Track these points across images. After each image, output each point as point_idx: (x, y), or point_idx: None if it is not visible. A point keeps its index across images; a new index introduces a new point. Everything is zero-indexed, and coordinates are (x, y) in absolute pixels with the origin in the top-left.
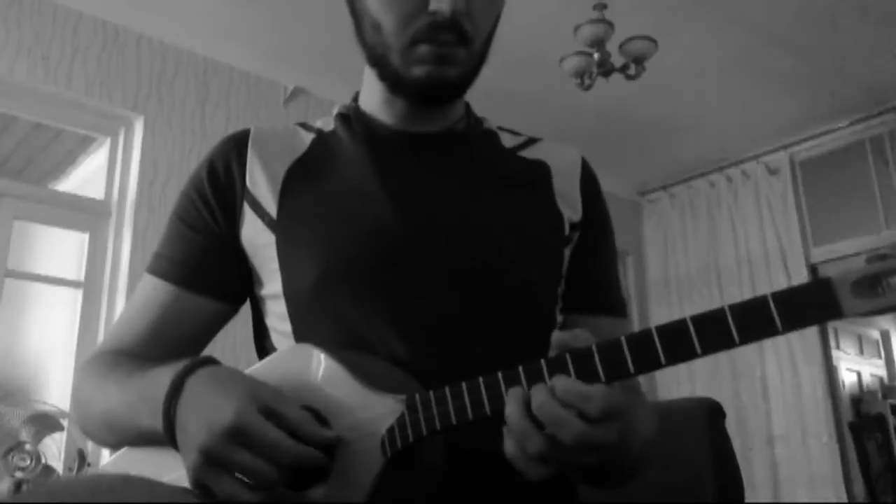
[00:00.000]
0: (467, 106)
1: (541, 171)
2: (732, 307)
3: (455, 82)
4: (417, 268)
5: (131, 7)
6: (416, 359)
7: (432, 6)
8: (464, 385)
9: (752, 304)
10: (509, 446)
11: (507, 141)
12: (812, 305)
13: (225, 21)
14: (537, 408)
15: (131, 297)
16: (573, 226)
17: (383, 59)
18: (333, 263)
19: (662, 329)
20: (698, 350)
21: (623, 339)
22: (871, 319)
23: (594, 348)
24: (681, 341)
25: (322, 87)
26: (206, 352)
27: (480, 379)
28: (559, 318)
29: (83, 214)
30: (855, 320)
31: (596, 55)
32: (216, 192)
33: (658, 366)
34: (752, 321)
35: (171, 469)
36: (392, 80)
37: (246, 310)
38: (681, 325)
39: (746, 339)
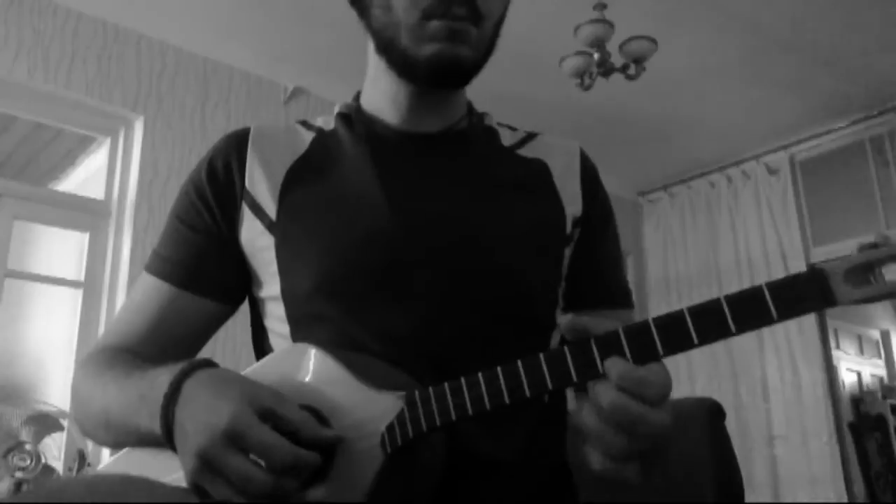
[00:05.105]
0: (469, 103)
1: (540, 170)
2: (728, 297)
3: (465, 63)
4: (415, 272)
5: (131, 7)
6: (412, 363)
7: None
8: (463, 381)
9: (748, 294)
10: (596, 460)
11: (506, 139)
12: (807, 294)
13: (225, 21)
14: (610, 405)
15: (130, 294)
16: (575, 222)
17: (392, 42)
18: (331, 267)
19: (659, 321)
20: (695, 340)
21: (621, 330)
22: (870, 319)
23: (592, 342)
24: (678, 332)
25: (322, 87)
26: (207, 352)
27: (479, 374)
28: (560, 318)
29: (83, 214)
30: (854, 320)
31: (596, 55)
32: (216, 192)
33: (656, 357)
34: (748, 311)
35: (172, 470)
36: (401, 63)
37: (246, 310)
38: (678, 316)
39: (742, 328)
